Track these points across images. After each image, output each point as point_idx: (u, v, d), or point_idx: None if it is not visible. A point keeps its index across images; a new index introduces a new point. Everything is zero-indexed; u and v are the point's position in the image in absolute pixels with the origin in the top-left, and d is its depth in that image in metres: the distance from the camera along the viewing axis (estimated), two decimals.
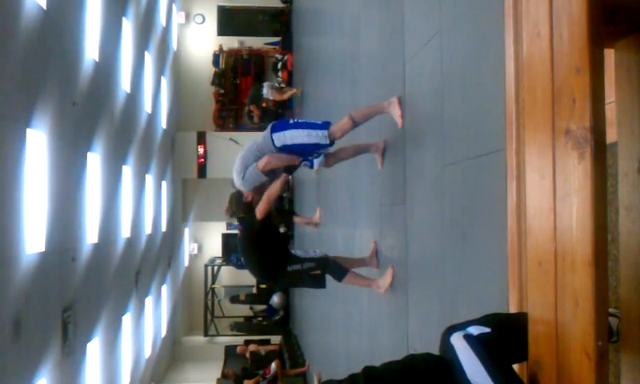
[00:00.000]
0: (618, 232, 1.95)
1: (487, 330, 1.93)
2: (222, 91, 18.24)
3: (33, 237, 6.73)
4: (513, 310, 2.26)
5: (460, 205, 3.27)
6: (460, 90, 3.27)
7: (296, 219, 10.18)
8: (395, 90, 4.50)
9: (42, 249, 6.98)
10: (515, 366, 1.94)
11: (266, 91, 10.78)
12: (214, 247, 18.94)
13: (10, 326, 6.07)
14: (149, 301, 13.10)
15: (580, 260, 1.54)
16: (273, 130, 4.25)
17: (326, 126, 4.18)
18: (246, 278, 18.23)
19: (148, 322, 13.10)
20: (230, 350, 15.31)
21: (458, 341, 1.90)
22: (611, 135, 1.93)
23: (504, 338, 1.94)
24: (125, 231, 11.06)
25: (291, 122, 4.24)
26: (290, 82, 15.77)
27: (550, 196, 1.71)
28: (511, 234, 2.36)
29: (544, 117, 1.76)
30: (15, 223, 6.31)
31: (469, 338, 1.90)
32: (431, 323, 3.66)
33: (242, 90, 18.01)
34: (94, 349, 9.03)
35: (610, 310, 1.89)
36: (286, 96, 12.08)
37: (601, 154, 1.47)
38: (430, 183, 3.78)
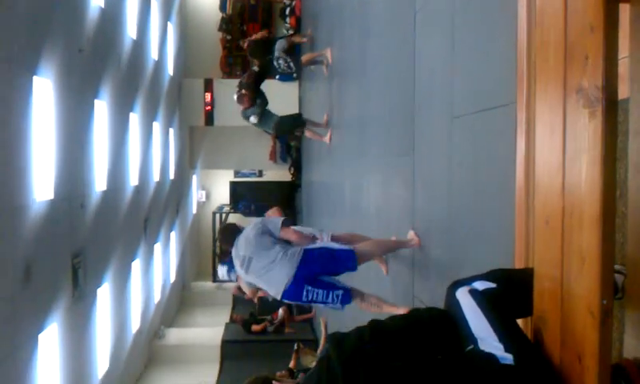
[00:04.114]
0: (627, 188, 1.95)
1: (493, 285, 1.95)
2: (229, 37, 18.02)
3: (41, 185, 6.77)
4: (518, 264, 2.27)
5: (469, 158, 3.25)
6: (471, 41, 3.22)
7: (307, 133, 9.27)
8: (407, 42, 4.44)
9: (51, 196, 7.03)
10: (520, 321, 1.97)
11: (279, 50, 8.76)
12: (221, 195, 19.03)
13: (20, 273, 6.17)
14: (157, 247, 13.25)
15: (587, 219, 1.54)
16: (283, 296, 3.96)
17: (346, 301, 3.92)
18: None
19: (157, 268, 13.28)
20: (238, 296, 15.51)
21: (463, 296, 1.92)
22: (623, 91, 1.90)
23: (509, 294, 1.95)
24: (133, 179, 11.11)
25: (304, 298, 3.88)
26: (298, 29, 15.51)
27: (560, 153, 1.69)
28: (519, 189, 2.36)
29: (556, 73, 1.73)
30: (24, 172, 6.34)
31: (474, 293, 1.92)
32: (437, 277, 3.69)
33: (250, 36, 17.79)
34: (104, 294, 9.18)
35: (616, 266, 1.89)
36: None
37: (612, 114, 1.46)
38: (438, 135, 3.76)
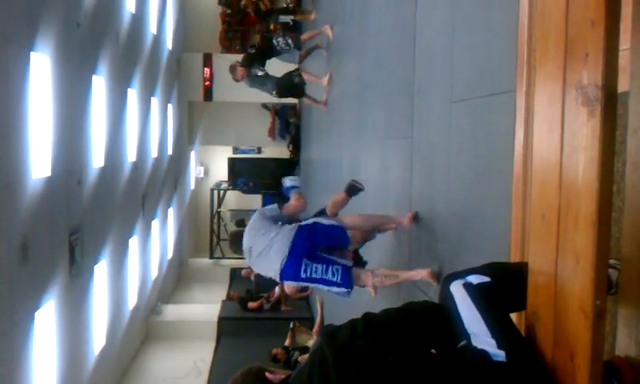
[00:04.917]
0: (624, 183, 1.93)
1: (487, 279, 1.94)
2: (228, 11, 17.87)
3: (38, 161, 6.74)
4: (514, 255, 2.26)
5: (467, 143, 3.23)
6: (472, 26, 3.18)
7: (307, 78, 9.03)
8: (408, 25, 4.39)
9: (48, 173, 7.00)
10: (513, 316, 1.96)
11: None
12: (220, 171, 18.99)
13: (17, 250, 6.15)
14: (155, 223, 13.24)
15: (583, 218, 1.52)
16: (282, 276, 3.84)
17: (347, 285, 3.75)
18: (252, 203, 18.37)
19: (155, 245, 13.28)
20: (235, 273, 15.56)
21: (457, 289, 1.91)
22: (623, 83, 1.88)
23: (503, 288, 1.94)
24: (131, 155, 11.06)
25: (302, 274, 3.75)
26: (299, 3, 15.35)
27: (557, 149, 1.67)
28: (516, 179, 2.33)
29: (556, 66, 1.70)
30: (21, 148, 6.30)
31: (468, 286, 1.91)
32: (433, 264, 3.68)
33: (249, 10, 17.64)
34: (101, 271, 9.19)
35: (611, 261, 1.88)
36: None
37: (611, 114, 1.43)
38: (437, 119, 3.73)
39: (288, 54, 8.74)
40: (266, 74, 8.59)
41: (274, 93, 8.80)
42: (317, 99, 9.30)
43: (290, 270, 3.81)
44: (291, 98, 11.73)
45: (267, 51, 8.60)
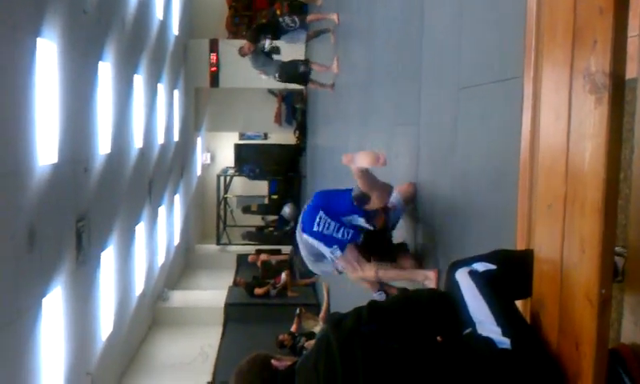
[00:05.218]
0: (631, 171, 1.92)
1: (493, 266, 1.93)
2: None
3: (45, 148, 6.76)
4: (520, 244, 2.26)
5: (474, 129, 3.22)
6: (480, 12, 3.17)
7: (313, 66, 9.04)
8: (415, 10, 4.37)
9: (55, 160, 7.02)
10: (519, 303, 1.96)
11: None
12: (226, 157, 18.99)
13: (24, 237, 6.19)
14: (162, 210, 13.28)
15: (589, 206, 1.51)
16: (303, 230, 3.89)
17: (341, 246, 3.79)
18: (259, 189, 18.39)
19: (161, 231, 13.33)
20: (241, 259, 15.62)
21: (462, 277, 1.91)
22: (632, 70, 1.86)
23: (509, 276, 1.94)
24: (137, 141, 11.08)
25: (315, 226, 3.80)
26: None
27: (564, 137, 1.66)
28: (523, 165, 2.33)
29: (563, 53, 1.69)
30: (27, 135, 6.32)
31: (474, 274, 1.90)
32: (437, 256, 3.68)
33: None
34: (108, 257, 9.23)
35: (617, 249, 1.87)
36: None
37: (618, 102, 1.42)
38: (444, 106, 3.72)
39: (294, 32, 8.68)
40: (273, 50, 8.56)
41: (277, 76, 8.77)
42: (323, 83, 9.29)
43: (307, 215, 3.86)
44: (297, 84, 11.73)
45: (275, 30, 8.60)
